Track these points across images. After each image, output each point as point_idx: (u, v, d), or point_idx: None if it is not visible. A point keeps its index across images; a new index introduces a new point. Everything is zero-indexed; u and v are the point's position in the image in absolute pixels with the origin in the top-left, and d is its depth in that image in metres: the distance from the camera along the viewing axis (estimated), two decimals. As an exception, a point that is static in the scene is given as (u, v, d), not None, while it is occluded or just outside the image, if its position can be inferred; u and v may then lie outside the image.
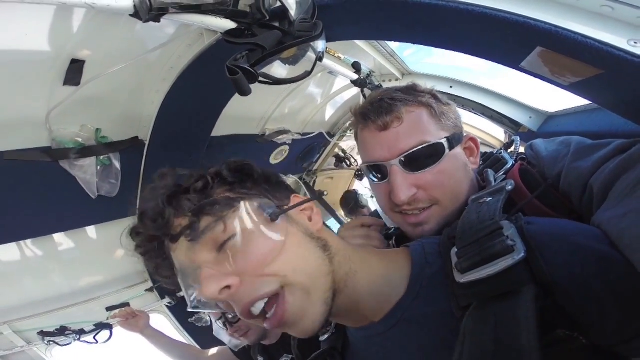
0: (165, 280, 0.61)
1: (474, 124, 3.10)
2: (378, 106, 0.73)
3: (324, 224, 0.65)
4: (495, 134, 2.91)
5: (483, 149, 0.87)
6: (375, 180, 0.77)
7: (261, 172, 0.62)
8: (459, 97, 2.26)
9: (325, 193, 3.00)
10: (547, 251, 0.47)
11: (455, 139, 0.74)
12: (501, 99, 2.14)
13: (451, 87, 2.24)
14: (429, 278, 0.58)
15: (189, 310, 0.59)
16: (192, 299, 0.57)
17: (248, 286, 0.51)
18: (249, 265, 0.51)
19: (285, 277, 0.51)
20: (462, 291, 0.51)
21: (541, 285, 0.45)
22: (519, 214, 0.56)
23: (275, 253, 0.52)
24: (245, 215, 0.53)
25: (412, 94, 0.75)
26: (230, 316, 1.44)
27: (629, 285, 0.43)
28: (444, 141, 0.72)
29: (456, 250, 0.54)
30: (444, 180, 0.71)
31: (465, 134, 0.80)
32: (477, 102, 2.21)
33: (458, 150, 0.75)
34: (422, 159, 0.70)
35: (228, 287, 0.50)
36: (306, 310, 0.52)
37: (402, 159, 0.70)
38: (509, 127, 2.16)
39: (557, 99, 1.79)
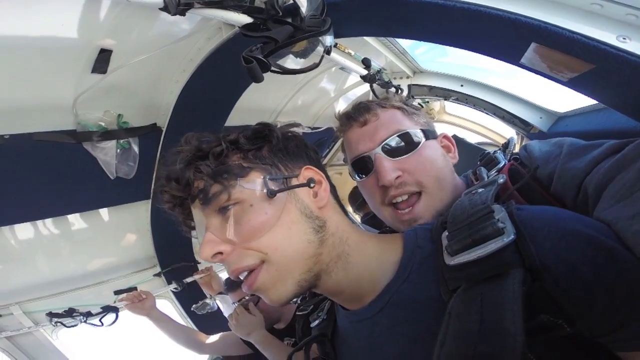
0: (191, 229, 0.67)
1: (484, 123, 3.10)
2: (357, 108, 0.85)
3: (336, 197, 0.68)
4: (506, 134, 2.90)
5: (491, 149, 0.91)
6: (363, 175, 0.82)
7: (281, 137, 0.64)
8: (470, 95, 2.27)
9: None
10: (537, 235, 0.47)
11: (429, 133, 0.83)
12: (512, 98, 2.13)
13: (462, 85, 2.25)
14: (419, 262, 0.59)
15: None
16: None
17: (235, 256, 0.56)
18: (239, 236, 0.55)
19: (266, 254, 0.55)
20: (451, 274, 0.51)
21: (530, 270, 0.45)
22: (510, 200, 0.57)
23: (265, 229, 0.55)
24: (246, 188, 0.57)
25: (385, 99, 0.87)
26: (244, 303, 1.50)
27: (616, 273, 0.42)
28: (419, 131, 0.80)
29: (447, 233, 0.55)
30: (425, 164, 0.78)
31: (439, 133, 0.89)
32: (488, 102, 2.21)
33: (434, 143, 0.83)
34: (402, 146, 0.78)
35: (220, 252, 0.55)
36: (275, 285, 0.56)
37: (384, 146, 0.78)
38: (520, 127, 2.15)
39: (568, 100, 1.80)
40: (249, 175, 0.58)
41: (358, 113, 0.83)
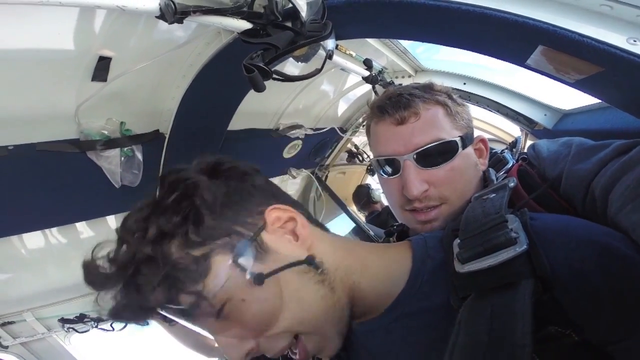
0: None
1: (488, 120, 3.07)
2: (396, 101, 0.75)
3: (314, 221, 0.61)
4: (510, 130, 2.88)
5: (497, 146, 0.89)
6: (386, 175, 0.78)
7: (214, 190, 0.50)
8: (473, 94, 2.25)
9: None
10: (550, 245, 0.47)
11: (467, 139, 0.76)
12: (516, 96, 2.11)
13: (464, 83, 2.23)
14: (430, 271, 0.58)
15: None
16: None
17: (266, 345, 0.52)
18: (255, 330, 0.50)
19: (296, 331, 0.52)
20: (461, 282, 0.51)
21: (541, 280, 0.45)
22: (524, 209, 0.56)
23: (277, 312, 0.50)
24: (223, 283, 0.46)
25: (429, 92, 0.78)
26: None
27: (628, 281, 0.42)
28: (458, 140, 0.73)
29: (459, 241, 0.54)
30: (454, 178, 0.73)
31: (476, 136, 0.82)
32: (491, 99, 2.19)
33: (469, 150, 0.77)
34: (435, 155, 0.72)
35: (250, 349, 0.51)
36: (325, 346, 0.55)
37: (417, 154, 0.71)
38: (524, 124, 2.13)
39: (574, 97, 1.77)
40: (213, 265, 0.47)
41: (396, 108, 0.74)
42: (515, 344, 0.40)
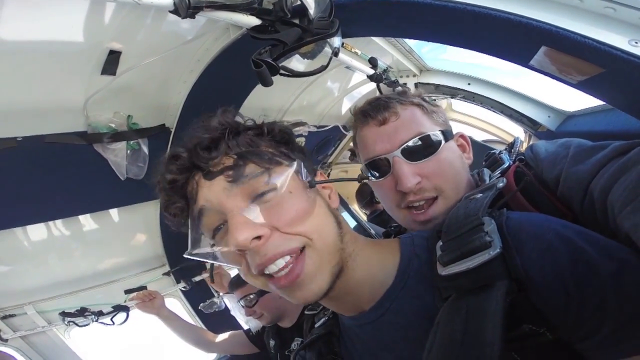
0: (170, 218, 0.62)
1: (492, 121, 3.07)
2: (376, 104, 0.80)
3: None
4: (514, 132, 2.88)
5: (499, 147, 0.90)
6: (378, 176, 0.80)
7: (299, 142, 0.67)
8: (477, 94, 2.25)
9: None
10: (523, 247, 0.49)
11: (448, 133, 0.80)
12: (520, 97, 2.11)
13: (469, 84, 2.24)
14: (415, 270, 0.60)
15: (186, 255, 0.59)
16: (199, 242, 0.59)
17: (277, 240, 0.52)
18: (282, 220, 0.53)
19: (310, 239, 0.54)
20: (443, 283, 0.53)
21: (515, 281, 0.47)
22: (503, 209, 0.58)
23: (307, 215, 0.55)
24: (290, 174, 0.55)
25: (404, 95, 0.83)
26: (245, 300, 1.53)
27: (593, 283, 0.44)
28: (439, 133, 0.77)
29: (441, 243, 0.56)
30: (444, 169, 0.75)
31: (455, 133, 0.86)
32: (495, 100, 2.20)
33: (452, 144, 0.81)
34: (421, 149, 0.76)
35: (258, 237, 0.51)
36: (317, 274, 0.54)
37: (403, 149, 0.75)
38: (528, 126, 2.13)
39: (578, 99, 1.78)
40: (291, 163, 0.58)
41: (376, 110, 0.79)
42: (484, 343, 0.41)
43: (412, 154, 0.75)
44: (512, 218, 0.54)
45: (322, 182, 0.62)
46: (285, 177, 0.55)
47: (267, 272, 0.53)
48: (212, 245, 0.58)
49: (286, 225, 0.53)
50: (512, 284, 0.46)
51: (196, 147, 0.56)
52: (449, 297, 0.51)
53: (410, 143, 0.75)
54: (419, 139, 0.76)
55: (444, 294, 0.52)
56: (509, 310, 0.44)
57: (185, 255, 0.59)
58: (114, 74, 1.27)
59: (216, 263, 0.60)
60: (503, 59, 0.84)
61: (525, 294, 0.46)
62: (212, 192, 0.55)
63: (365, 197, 3.38)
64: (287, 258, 0.52)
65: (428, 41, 0.94)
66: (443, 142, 0.77)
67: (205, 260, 0.59)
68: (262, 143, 0.60)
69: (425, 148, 0.76)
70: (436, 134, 0.77)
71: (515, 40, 0.70)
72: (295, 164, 0.57)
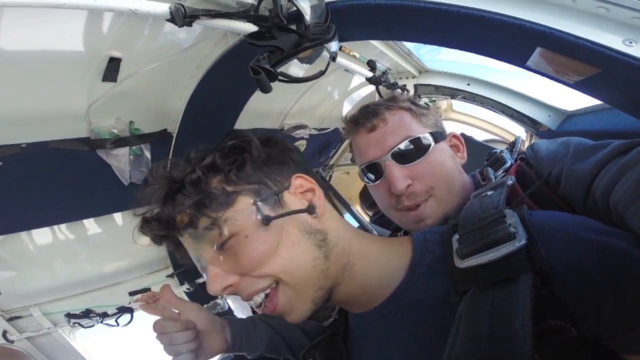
0: (184, 256, 0.65)
1: (493, 121, 3.07)
2: (365, 112, 0.84)
3: (330, 200, 0.66)
4: (515, 131, 2.87)
5: (501, 147, 0.91)
6: (373, 180, 0.83)
7: (262, 147, 0.60)
8: (477, 94, 2.25)
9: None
10: (548, 240, 0.47)
11: (438, 135, 0.82)
12: (520, 97, 2.11)
13: (468, 84, 2.24)
14: (428, 265, 0.59)
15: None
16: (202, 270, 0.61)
17: (246, 283, 0.55)
18: (245, 267, 0.54)
19: (278, 277, 0.55)
20: (461, 277, 0.52)
21: (540, 274, 0.46)
22: (522, 205, 0.57)
23: (269, 255, 0.54)
24: (238, 218, 0.54)
25: (393, 101, 0.86)
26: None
27: (627, 278, 0.42)
28: (428, 135, 0.80)
29: (457, 237, 0.55)
30: (435, 170, 0.78)
31: (448, 133, 0.87)
32: (495, 100, 2.19)
33: (443, 144, 0.83)
34: (411, 152, 0.78)
35: (230, 285, 0.55)
36: (294, 306, 0.56)
37: (393, 153, 0.78)
38: (528, 125, 2.13)
39: (578, 98, 1.77)
40: (237, 202, 0.55)
41: (365, 118, 0.83)
42: (515, 337, 0.40)
43: (402, 157, 0.78)
44: (534, 213, 0.54)
45: (279, 217, 0.55)
46: (239, 222, 0.53)
47: (254, 303, 0.57)
48: None
49: (250, 270, 0.54)
50: (537, 278, 0.45)
51: (148, 221, 0.58)
52: (466, 291, 0.50)
53: (399, 147, 0.78)
54: (408, 142, 0.78)
55: (461, 288, 0.51)
56: (534, 304, 0.43)
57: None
58: (114, 80, 1.29)
59: None
60: (500, 60, 0.85)
61: (550, 287, 0.45)
62: (188, 245, 0.59)
63: (369, 198, 3.38)
64: (262, 295, 0.56)
65: (425, 43, 0.95)
66: (433, 144, 0.80)
67: None
68: (210, 182, 0.56)
69: (415, 151, 0.78)
70: (425, 137, 0.80)
71: (510, 41, 0.71)
72: (242, 200, 0.54)
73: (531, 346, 0.39)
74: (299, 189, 0.61)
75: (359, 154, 0.85)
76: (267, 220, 0.54)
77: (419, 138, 0.79)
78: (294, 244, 0.56)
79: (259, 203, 0.55)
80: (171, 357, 0.74)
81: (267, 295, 0.56)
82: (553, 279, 0.45)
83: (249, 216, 0.54)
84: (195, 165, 0.56)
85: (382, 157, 0.79)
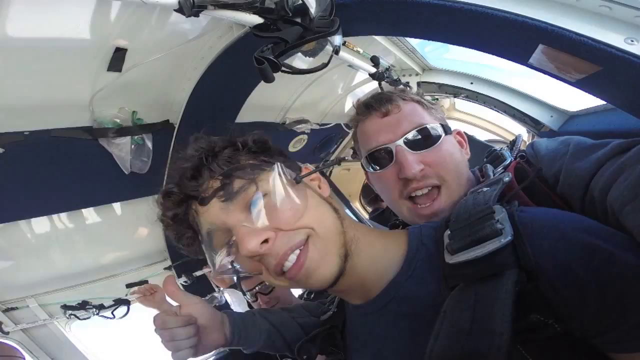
0: (186, 249, 0.68)
1: (495, 121, 3.07)
2: (379, 97, 0.85)
3: (336, 192, 0.72)
4: (515, 131, 2.87)
5: (502, 146, 0.92)
6: (379, 168, 0.82)
7: (275, 146, 0.70)
8: (480, 93, 2.25)
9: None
10: (535, 236, 0.48)
11: (447, 128, 0.84)
12: (523, 97, 2.11)
13: (472, 83, 2.23)
14: (422, 260, 0.60)
15: (213, 276, 0.66)
16: (218, 262, 0.62)
17: (283, 238, 0.55)
18: (282, 220, 0.56)
19: (312, 229, 0.57)
20: (450, 272, 0.53)
21: (525, 270, 0.46)
22: (514, 201, 0.58)
23: (302, 209, 0.58)
24: (276, 177, 0.60)
25: (404, 93, 0.89)
26: (262, 287, 1.53)
27: (611, 279, 0.42)
28: (439, 126, 0.81)
29: (449, 232, 0.56)
30: (446, 159, 0.79)
31: (452, 129, 0.89)
32: (498, 100, 2.19)
33: (451, 137, 0.84)
34: (423, 140, 0.79)
35: (266, 240, 0.54)
36: (324, 259, 0.56)
37: (406, 139, 0.78)
38: (531, 125, 2.13)
39: (581, 99, 1.77)
40: (268, 169, 0.61)
41: (379, 103, 0.84)
42: (494, 332, 0.41)
43: (414, 143, 0.79)
44: (526, 209, 0.54)
45: (307, 175, 0.63)
46: (271, 181, 0.59)
47: (284, 269, 0.56)
48: (232, 262, 0.62)
49: (287, 223, 0.56)
50: (522, 274, 0.46)
51: (182, 178, 0.61)
52: (455, 286, 0.51)
53: (412, 133, 0.79)
54: (421, 129, 0.79)
55: (451, 282, 0.52)
56: (517, 299, 0.43)
57: (212, 277, 0.66)
58: (119, 70, 1.29)
59: (242, 275, 0.64)
60: (503, 57, 0.85)
61: (535, 283, 0.46)
62: (212, 215, 0.59)
63: (370, 194, 3.39)
64: (297, 252, 0.56)
65: (429, 40, 0.95)
66: (443, 134, 0.81)
67: (233, 275, 0.64)
68: (241, 157, 0.63)
69: (427, 139, 0.79)
70: (436, 127, 0.81)
71: (513, 38, 0.71)
72: (276, 167, 0.61)
73: (510, 341, 0.40)
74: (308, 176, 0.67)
75: (368, 139, 0.85)
76: (298, 180, 0.61)
77: (431, 127, 0.80)
78: (318, 204, 0.62)
79: (286, 170, 0.62)
80: (169, 352, 0.74)
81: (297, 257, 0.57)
82: (539, 276, 0.46)
83: (282, 177, 0.60)
84: (234, 140, 0.65)
85: (395, 141, 0.79)
